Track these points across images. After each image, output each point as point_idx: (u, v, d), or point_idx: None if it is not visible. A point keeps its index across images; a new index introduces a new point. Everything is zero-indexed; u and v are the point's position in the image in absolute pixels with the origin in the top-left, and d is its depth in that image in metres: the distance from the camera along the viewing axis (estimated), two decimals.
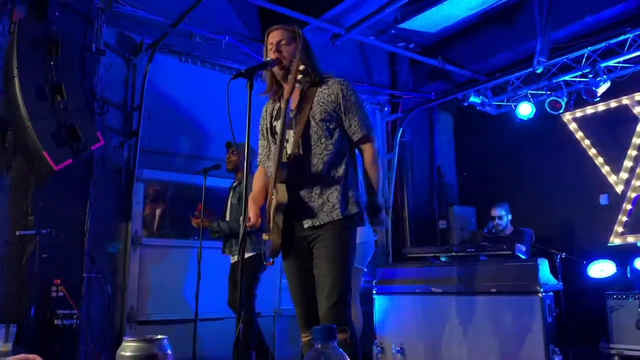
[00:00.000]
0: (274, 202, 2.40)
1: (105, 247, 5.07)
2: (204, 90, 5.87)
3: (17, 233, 4.44)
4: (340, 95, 2.51)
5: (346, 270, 2.41)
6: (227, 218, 4.68)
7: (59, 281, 4.47)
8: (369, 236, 4.51)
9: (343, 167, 2.50)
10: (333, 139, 2.49)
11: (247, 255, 4.40)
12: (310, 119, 2.48)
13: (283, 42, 2.52)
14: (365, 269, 4.57)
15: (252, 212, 2.49)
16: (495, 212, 5.91)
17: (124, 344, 1.35)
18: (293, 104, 2.58)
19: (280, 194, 2.37)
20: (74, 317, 4.44)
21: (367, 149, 2.58)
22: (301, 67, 2.41)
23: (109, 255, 5.10)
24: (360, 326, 4.35)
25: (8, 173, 4.59)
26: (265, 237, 2.47)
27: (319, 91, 2.52)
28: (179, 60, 5.77)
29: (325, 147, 2.47)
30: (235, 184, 4.77)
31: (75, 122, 4.24)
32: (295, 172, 2.42)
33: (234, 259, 4.65)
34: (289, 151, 2.46)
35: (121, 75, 5.41)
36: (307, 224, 2.45)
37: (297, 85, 2.45)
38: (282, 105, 2.55)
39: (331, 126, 2.50)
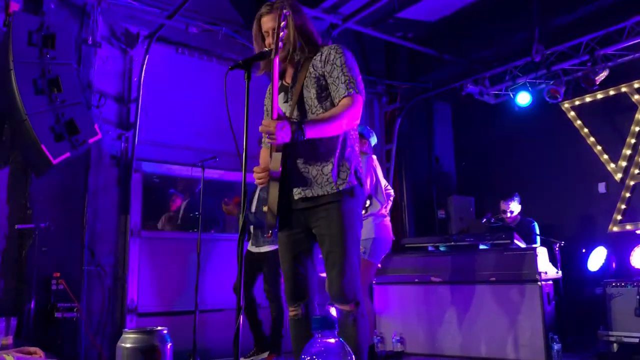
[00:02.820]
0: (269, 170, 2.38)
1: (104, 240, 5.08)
2: (201, 82, 5.86)
3: (16, 227, 4.44)
4: (327, 60, 2.42)
5: (355, 243, 2.39)
6: (253, 210, 4.73)
7: (58, 274, 4.48)
8: (387, 234, 4.47)
9: (340, 138, 2.43)
10: (325, 105, 2.42)
11: (271, 248, 4.54)
12: (304, 89, 2.44)
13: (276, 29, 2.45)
14: (379, 265, 4.53)
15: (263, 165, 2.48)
16: (507, 205, 5.77)
17: (125, 335, 1.36)
18: (288, 77, 2.54)
19: (274, 162, 2.33)
20: (74, 309, 4.45)
21: (342, 100, 2.37)
22: (285, 11, 2.35)
23: (109, 247, 5.11)
24: (371, 320, 4.34)
25: (6, 167, 4.58)
26: (265, 208, 2.46)
27: (313, 60, 2.46)
28: (176, 52, 5.74)
29: (317, 117, 2.41)
30: None
31: (72, 115, 4.24)
32: (290, 142, 2.34)
33: (259, 249, 4.68)
34: None
35: (118, 68, 5.39)
36: (299, 194, 2.41)
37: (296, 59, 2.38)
38: (285, 82, 2.53)
39: (323, 94, 2.42)
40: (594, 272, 5.66)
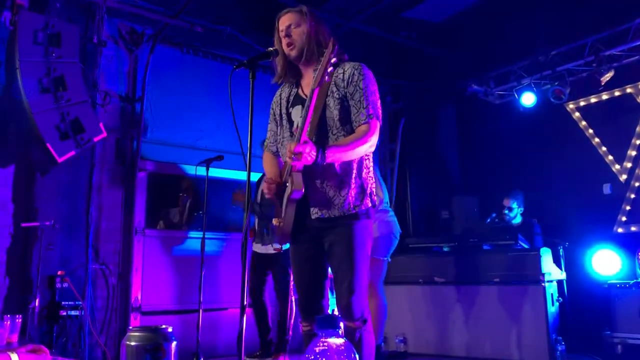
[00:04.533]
0: (288, 190, 2.36)
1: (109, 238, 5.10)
2: (206, 82, 5.87)
3: (21, 225, 4.46)
4: (350, 81, 2.42)
5: (365, 262, 2.40)
6: (259, 200, 4.79)
7: (63, 272, 4.50)
8: (396, 229, 4.52)
9: (357, 159, 2.42)
10: (346, 128, 2.41)
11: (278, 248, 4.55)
12: (326, 106, 2.41)
13: (292, 26, 2.47)
14: (389, 260, 4.57)
15: (273, 175, 2.51)
16: (508, 202, 5.81)
17: (130, 334, 1.37)
18: (306, 88, 2.51)
19: (296, 183, 2.31)
20: (79, 308, 4.46)
21: (361, 127, 2.38)
22: (333, 60, 2.27)
23: (113, 246, 5.12)
24: (385, 314, 4.35)
25: (11, 165, 4.60)
26: (275, 222, 2.44)
27: (334, 77, 2.43)
28: (181, 52, 5.76)
29: (336, 139, 2.39)
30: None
31: (77, 114, 4.26)
32: (312, 166, 2.32)
33: (266, 250, 4.69)
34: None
35: (123, 67, 5.40)
36: (316, 214, 2.39)
37: (326, 77, 2.31)
38: (302, 94, 2.52)
39: (344, 115, 2.41)
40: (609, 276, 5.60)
